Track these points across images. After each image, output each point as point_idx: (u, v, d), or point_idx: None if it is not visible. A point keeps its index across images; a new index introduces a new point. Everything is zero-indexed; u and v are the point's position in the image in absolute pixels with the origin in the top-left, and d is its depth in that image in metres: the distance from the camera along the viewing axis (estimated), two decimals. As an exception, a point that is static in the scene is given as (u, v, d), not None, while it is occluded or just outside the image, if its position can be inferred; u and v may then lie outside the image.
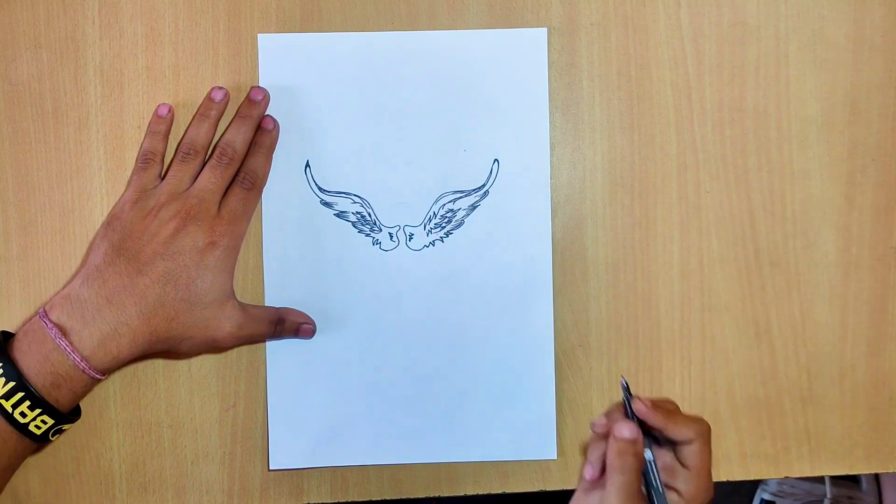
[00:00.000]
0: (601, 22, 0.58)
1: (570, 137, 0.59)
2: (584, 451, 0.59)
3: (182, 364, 0.58)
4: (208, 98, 0.56)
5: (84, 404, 0.57)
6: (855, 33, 0.59)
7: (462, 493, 0.59)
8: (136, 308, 0.50)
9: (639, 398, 0.47)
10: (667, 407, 0.48)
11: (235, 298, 0.54)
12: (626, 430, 0.44)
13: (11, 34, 0.57)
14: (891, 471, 0.60)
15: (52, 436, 0.51)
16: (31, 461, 0.57)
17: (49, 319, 0.50)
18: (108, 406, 0.58)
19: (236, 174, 0.55)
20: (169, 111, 0.57)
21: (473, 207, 0.58)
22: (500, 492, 0.59)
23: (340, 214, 0.58)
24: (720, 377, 0.59)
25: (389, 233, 0.58)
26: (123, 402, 0.58)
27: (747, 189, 0.59)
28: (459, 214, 0.58)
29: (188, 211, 0.52)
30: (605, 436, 0.46)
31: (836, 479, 1.15)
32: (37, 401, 0.48)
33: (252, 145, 0.56)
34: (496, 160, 0.58)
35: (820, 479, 1.15)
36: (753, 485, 1.19)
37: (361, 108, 0.57)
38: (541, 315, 0.58)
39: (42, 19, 0.57)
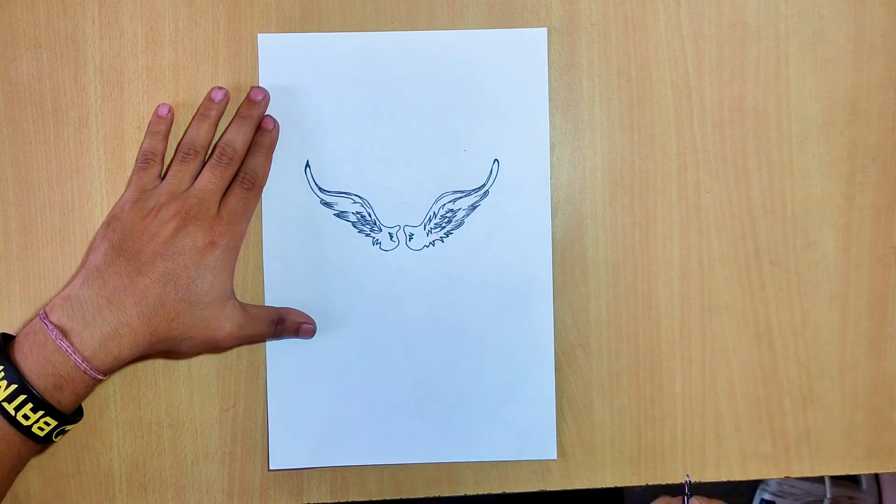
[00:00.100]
0: (601, 22, 0.58)
1: (570, 137, 0.59)
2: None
3: (182, 364, 0.58)
4: (208, 98, 0.56)
5: (84, 405, 0.57)
6: (855, 33, 0.59)
7: (462, 493, 0.59)
8: (137, 308, 0.50)
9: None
10: None
11: (235, 298, 0.54)
12: None
13: (11, 34, 0.57)
14: (891, 471, 0.60)
15: (56, 437, 0.51)
16: (32, 461, 0.57)
17: (49, 321, 0.50)
18: (108, 406, 0.58)
19: (236, 174, 0.55)
20: (169, 111, 0.57)
21: (473, 207, 0.58)
22: (500, 492, 0.59)
23: (340, 214, 0.58)
24: (720, 377, 0.59)
25: (389, 233, 0.58)
26: (123, 402, 0.58)
27: (747, 189, 0.59)
28: (459, 214, 0.58)
29: (188, 211, 0.52)
30: None
31: (836, 479, 1.15)
32: (39, 403, 0.48)
33: (252, 145, 0.56)
34: (496, 160, 0.58)
35: (820, 479, 1.15)
36: (753, 485, 1.19)
37: (361, 108, 0.57)
38: (541, 315, 0.58)
39: (42, 19, 0.57)
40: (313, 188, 0.57)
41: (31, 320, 0.52)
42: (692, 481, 0.49)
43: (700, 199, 0.59)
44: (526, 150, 0.58)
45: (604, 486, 0.59)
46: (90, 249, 0.56)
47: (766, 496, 1.17)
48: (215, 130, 0.56)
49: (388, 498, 0.59)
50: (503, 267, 0.58)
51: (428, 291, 0.58)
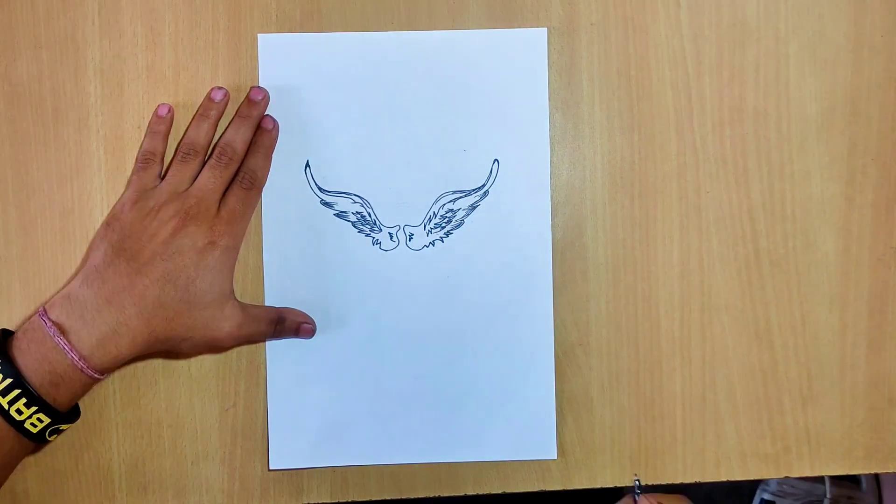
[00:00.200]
0: (601, 22, 0.58)
1: (570, 137, 0.59)
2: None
3: (182, 364, 0.58)
4: (208, 98, 0.56)
5: (84, 404, 0.57)
6: (855, 33, 0.59)
7: (462, 493, 0.59)
8: (136, 308, 0.50)
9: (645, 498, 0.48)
10: None
11: (235, 298, 0.54)
12: None
13: (11, 34, 0.57)
14: (891, 471, 0.60)
15: (50, 436, 0.51)
16: (31, 461, 0.57)
17: (48, 318, 0.50)
18: (107, 406, 0.58)
19: (236, 174, 0.55)
20: (169, 111, 0.57)
21: (473, 207, 0.58)
22: (500, 492, 0.59)
23: (340, 214, 0.58)
24: (720, 377, 0.59)
25: (389, 233, 0.58)
26: (123, 402, 0.58)
27: (747, 189, 0.59)
28: (459, 214, 0.58)
29: (188, 211, 0.52)
30: None
31: (836, 479, 1.15)
32: (33, 399, 0.48)
33: (252, 145, 0.56)
34: (496, 160, 0.58)
35: (820, 479, 1.15)
36: (753, 485, 1.19)
37: (361, 108, 0.57)
38: (541, 315, 0.58)
39: (42, 19, 0.57)
40: (313, 188, 0.57)
41: (30, 317, 0.52)
42: (640, 483, 0.49)
43: (700, 200, 0.59)
44: (526, 150, 0.58)
45: (604, 486, 0.59)
46: (90, 249, 0.56)
47: (766, 496, 1.17)
48: (215, 130, 0.56)
49: (388, 498, 0.59)
50: (503, 267, 0.58)
51: (428, 291, 0.58)
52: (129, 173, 0.57)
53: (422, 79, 0.58)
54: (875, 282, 0.59)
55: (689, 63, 0.58)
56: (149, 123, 0.57)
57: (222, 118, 0.57)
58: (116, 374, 0.57)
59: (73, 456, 0.58)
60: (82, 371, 0.49)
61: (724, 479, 0.59)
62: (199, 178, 0.54)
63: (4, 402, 0.48)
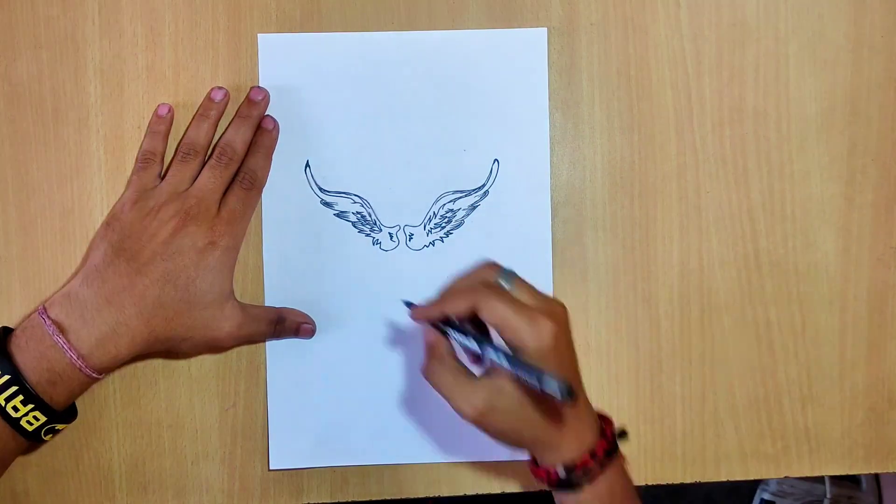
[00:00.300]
0: (601, 22, 0.58)
1: (570, 137, 0.59)
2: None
3: (182, 364, 0.58)
4: (208, 98, 0.56)
5: (84, 404, 0.57)
6: (855, 33, 0.59)
7: (462, 493, 0.59)
8: (136, 308, 0.50)
9: (415, 308, 0.50)
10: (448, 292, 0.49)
11: (235, 298, 0.54)
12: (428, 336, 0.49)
13: (11, 34, 0.57)
14: (891, 471, 0.60)
15: (46, 435, 0.50)
16: (31, 461, 0.57)
17: (48, 316, 0.50)
18: (107, 406, 0.58)
19: (236, 174, 0.55)
20: (169, 111, 0.57)
21: (473, 207, 0.58)
22: (499, 492, 0.59)
23: (340, 214, 0.58)
24: (720, 377, 0.59)
25: (389, 233, 0.58)
26: (123, 402, 0.58)
27: (747, 189, 0.59)
28: (459, 214, 0.58)
29: (188, 211, 0.52)
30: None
31: (836, 479, 1.15)
32: (30, 396, 0.48)
33: (252, 145, 0.56)
34: (496, 160, 0.58)
35: (820, 479, 1.15)
36: (753, 485, 1.19)
37: (361, 108, 0.57)
38: (541, 315, 0.58)
39: (42, 19, 0.57)
40: (313, 188, 0.57)
41: (30, 315, 0.52)
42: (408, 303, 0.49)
43: (700, 200, 0.59)
44: (526, 150, 0.58)
45: (604, 486, 0.59)
46: (90, 249, 0.56)
47: (766, 496, 1.17)
48: (215, 130, 0.56)
49: (388, 498, 0.59)
50: (503, 267, 0.58)
51: (428, 291, 0.58)
52: (129, 173, 0.57)
53: (422, 79, 0.58)
54: (875, 282, 0.59)
55: (689, 63, 0.58)
56: (149, 123, 0.57)
57: (222, 118, 0.57)
58: (116, 374, 0.57)
59: (73, 456, 0.58)
60: (81, 370, 0.49)
61: (724, 479, 0.59)
62: (199, 178, 0.54)
63: (1, 398, 0.48)
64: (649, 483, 0.59)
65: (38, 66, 0.57)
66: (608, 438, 0.49)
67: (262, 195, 0.57)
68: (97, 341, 0.50)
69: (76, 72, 0.57)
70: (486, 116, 0.58)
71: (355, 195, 0.57)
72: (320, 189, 0.58)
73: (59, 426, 0.51)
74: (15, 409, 0.48)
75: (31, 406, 0.49)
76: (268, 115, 0.57)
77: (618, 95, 0.58)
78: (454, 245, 0.58)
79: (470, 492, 0.59)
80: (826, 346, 0.59)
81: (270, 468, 0.58)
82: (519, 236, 0.58)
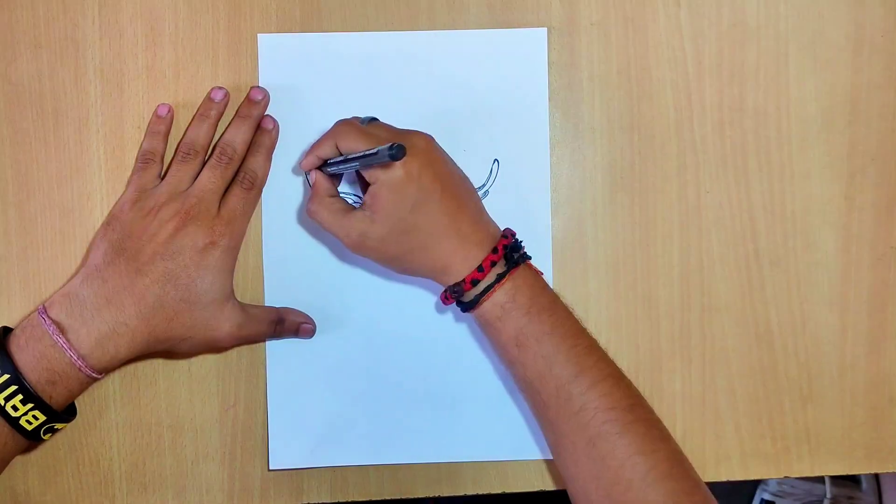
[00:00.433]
0: (601, 22, 0.58)
1: (570, 137, 0.59)
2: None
3: (182, 364, 0.58)
4: (208, 98, 0.56)
5: (84, 404, 0.57)
6: (855, 33, 0.59)
7: (462, 493, 0.59)
8: (136, 308, 0.50)
9: (301, 161, 0.54)
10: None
11: (235, 298, 0.54)
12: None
13: (11, 34, 0.57)
14: (891, 471, 0.60)
15: (45, 434, 0.50)
16: (31, 460, 0.57)
17: (48, 316, 0.50)
18: (107, 406, 0.58)
19: (236, 174, 0.55)
20: (169, 111, 0.57)
21: (473, 207, 0.58)
22: (500, 492, 0.59)
23: (340, 214, 0.58)
24: (720, 377, 0.59)
25: (389, 233, 0.58)
26: (123, 402, 0.58)
27: (747, 189, 0.59)
28: (459, 214, 0.58)
29: (188, 211, 0.52)
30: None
31: (836, 479, 1.15)
32: (30, 395, 0.48)
33: (252, 145, 0.56)
34: (496, 160, 0.58)
35: (820, 479, 1.15)
36: (753, 485, 1.19)
37: (361, 108, 0.57)
38: (541, 315, 0.58)
39: (42, 19, 0.57)
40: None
41: (29, 315, 0.51)
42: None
43: (700, 199, 0.59)
44: (526, 150, 0.58)
45: (604, 486, 0.59)
46: (90, 248, 0.56)
47: (766, 496, 1.17)
48: (215, 130, 0.56)
49: (388, 498, 0.59)
50: (503, 267, 0.58)
51: (428, 292, 0.58)
52: (129, 173, 0.57)
53: (422, 79, 0.58)
54: (875, 282, 0.59)
55: (689, 63, 0.58)
56: (149, 123, 0.57)
57: (222, 118, 0.57)
58: (116, 374, 0.57)
59: (73, 456, 0.58)
60: (80, 370, 0.49)
61: (724, 479, 0.59)
62: (199, 178, 0.54)
63: (0, 397, 0.48)
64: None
65: (38, 66, 0.57)
66: (501, 252, 0.50)
67: (262, 195, 0.57)
68: (97, 341, 0.50)
69: (76, 72, 0.57)
70: (486, 116, 0.58)
71: (355, 195, 0.57)
72: (320, 189, 0.57)
73: (58, 426, 0.51)
74: (14, 408, 0.48)
75: (30, 405, 0.49)
76: (268, 115, 0.57)
77: (618, 95, 0.58)
78: (454, 245, 0.58)
79: (470, 492, 0.59)
80: (826, 346, 0.59)
81: (270, 468, 0.58)
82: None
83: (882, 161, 0.59)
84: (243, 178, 0.55)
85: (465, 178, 0.52)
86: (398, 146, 0.45)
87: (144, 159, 0.56)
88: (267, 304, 0.57)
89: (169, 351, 0.53)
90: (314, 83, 0.57)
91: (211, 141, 0.56)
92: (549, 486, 0.59)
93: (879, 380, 0.59)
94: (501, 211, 0.53)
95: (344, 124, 0.51)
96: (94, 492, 0.58)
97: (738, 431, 0.59)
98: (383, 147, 0.46)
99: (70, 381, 0.50)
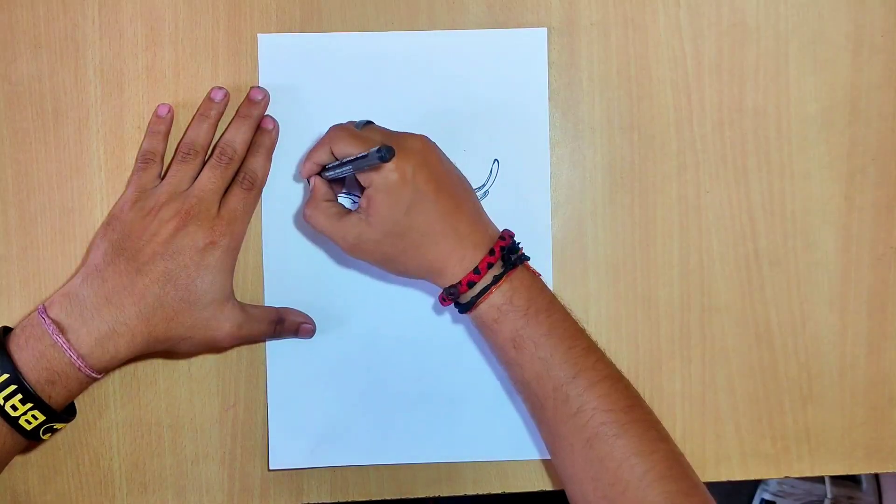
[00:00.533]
0: (601, 22, 0.58)
1: (570, 137, 0.59)
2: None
3: (182, 364, 0.58)
4: (208, 98, 0.56)
5: (83, 404, 0.57)
6: (855, 33, 0.59)
7: (462, 493, 0.59)
8: (136, 308, 0.50)
9: (300, 168, 0.55)
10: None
11: (235, 298, 0.54)
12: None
13: (11, 34, 0.57)
14: (891, 471, 0.60)
15: (44, 434, 0.50)
16: (31, 461, 0.57)
17: (48, 316, 0.50)
18: (107, 406, 0.58)
19: (236, 174, 0.55)
20: (169, 111, 0.57)
21: (473, 207, 0.58)
22: (500, 492, 0.59)
23: (340, 214, 0.58)
24: (720, 377, 0.59)
25: (389, 233, 0.58)
26: (123, 401, 0.58)
27: (747, 189, 0.59)
28: (459, 214, 0.58)
29: (188, 211, 0.52)
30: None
31: (836, 479, 1.15)
32: (29, 395, 0.48)
33: (252, 145, 0.56)
34: (496, 160, 0.58)
35: (820, 479, 1.15)
36: (753, 485, 1.19)
37: (361, 108, 0.57)
38: (541, 315, 0.58)
39: (42, 19, 0.57)
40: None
41: (29, 314, 0.51)
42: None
43: (700, 199, 0.59)
44: (526, 150, 0.58)
45: (604, 486, 0.59)
46: (90, 248, 0.56)
47: (766, 496, 1.17)
48: (215, 130, 0.56)
49: (388, 498, 0.59)
50: (503, 267, 0.58)
51: (428, 292, 0.58)
52: (129, 173, 0.57)
53: (422, 79, 0.58)
54: (875, 282, 0.59)
55: (689, 63, 0.58)
56: (149, 123, 0.57)
57: (222, 118, 0.57)
58: (116, 374, 0.57)
59: (73, 456, 0.58)
60: (80, 370, 0.49)
61: (724, 479, 0.59)
62: (199, 178, 0.54)
63: (0, 397, 0.48)
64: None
65: (38, 66, 0.57)
66: (498, 254, 0.50)
67: (262, 195, 0.57)
68: (97, 341, 0.50)
69: (76, 72, 0.57)
70: (486, 116, 0.58)
71: (355, 195, 0.57)
72: (320, 189, 0.57)
73: (57, 425, 0.51)
74: (14, 407, 0.48)
75: (29, 405, 0.49)
76: (268, 115, 0.57)
77: (618, 95, 0.58)
78: (454, 245, 0.58)
79: (470, 492, 0.59)
80: (826, 346, 0.59)
81: (270, 468, 0.58)
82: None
83: (882, 161, 0.59)
84: (243, 179, 0.55)
85: (463, 179, 0.52)
86: (386, 148, 0.45)
87: (144, 159, 0.56)
88: (267, 304, 0.57)
89: (169, 351, 0.53)
90: (314, 83, 0.57)
91: (211, 141, 0.56)
92: (549, 486, 0.59)
93: (879, 380, 0.59)
94: (501, 211, 0.53)
95: (337, 129, 0.51)
96: (94, 492, 0.58)
97: (738, 431, 0.59)
98: (373, 150, 0.46)
99: (69, 380, 0.50)
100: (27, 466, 0.57)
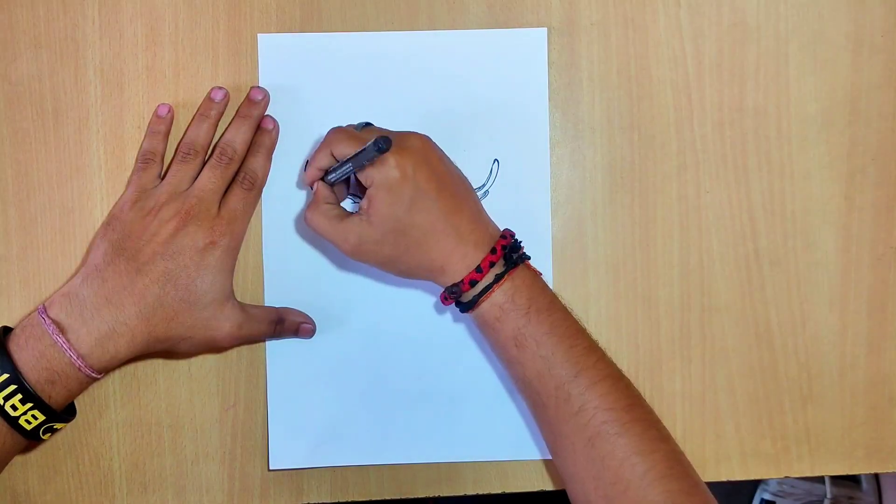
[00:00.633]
0: (601, 22, 0.58)
1: (570, 137, 0.59)
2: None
3: (182, 364, 0.58)
4: (208, 98, 0.56)
5: (83, 404, 0.57)
6: (855, 33, 0.59)
7: (462, 493, 0.59)
8: (136, 308, 0.50)
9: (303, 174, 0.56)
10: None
11: (235, 298, 0.54)
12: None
13: (11, 34, 0.57)
14: (891, 471, 0.60)
15: (44, 434, 0.50)
16: (31, 461, 0.57)
17: (48, 316, 0.50)
18: (107, 406, 0.58)
19: (236, 174, 0.55)
20: (169, 111, 0.57)
21: (473, 207, 0.58)
22: (500, 492, 0.59)
23: (340, 214, 0.58)
24: (720, 377, 0.59)
25: (389, 233, 0.58)
26: (123, 401, 0.58)
27: (747, 189, 0.59)
28: (459, 214, 0.58)
29: (188, 211, 0.52)
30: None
31: (836, 479, 1.15)
32: (29, 395, 0.48)
33: (252, 145, 0.56)
34: (496, 160, 0.58)
35: (820, 479, 1.15)
36: (753, 485, 1.19)
37: (361, 108, 0.57)
38: (541, 315, 0.58)
39: (42, 19, 0.57)
40: (313, 188, 0.57)
41: (29, 314, 0.51)
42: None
43: (700, 199, 0.59)
44: (526, 150, 0.58)
45: (604, 486, 0.59)
46: (90, 248, 0.56)
47: (766, 496, 1.17)
48: (215, 130, 0.56)
49: (388, 498, 0.59)
50: (503, 267, 0.58)
51: (428, 293, 0.58)
52: (129, 173, 0.57)
53: (422, 79, 0.58)
54: (875, 282, 0.59)
55: (689, 63, 0.58)
56: (149, 123, 0.57)
57: (222, 118, 0.57)
58: (116, 374, 0.57)
59: (73, 456, 0.58)
60: (80, 370, 0.49)
61: (724, 479, 0.59)
62: (199, 178, 0.54)
63: (0, 397, 0.48)
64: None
65: (38, 66, 0.57)
66: (500, 253, 0.50)
67: (262, 195, 0.57)
68: (97, 341, 0.50)
69: (76, 72, 0.57)
70: (486, 116, 0.58)
71: (355, 195, 0.57)
72: (320, 189, 0.57)
73: (57, 425, 0.51)
74: (13, 407, 0.48)
75: (29, 405, 0.49)
76: (268, 115, 0.57)
77: (618, 95, 0.58)
78: (454, 245, 0.58)
79: (470, 492, 0.59)
80: (826, 346, 0.59)
81: (270, 468, 0.58)
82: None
83: (882, 161, 0.59)
84: (243, 179, 0.55)
85: (464, 179, 0.52)
86: (384, 138, 0.46)
87: (144, 159, 0.56)
88: (267, 304, 0.57)
89: (169, 351, 0.53)
90: (314, 83, 0.57)
91: (211, 141, 0.56)
92: (549, 486, 0.59)
93: (879, 380, 0.59)
94: (501, 211, 0.53)
95: (336, 131, 0.51)
96: (94, 492, 0.58)
97: (738, 431, 0.59)
98: (370, 143, 0.46)
99: (69, 380, 0.50)
100: (27, 466, 0.57)
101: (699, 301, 0.59)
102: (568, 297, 0.58)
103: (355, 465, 0.58)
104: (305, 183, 0.53)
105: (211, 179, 0.54)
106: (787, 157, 0.59)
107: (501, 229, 0.52)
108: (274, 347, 0.58)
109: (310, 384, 0.58)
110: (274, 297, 0.57)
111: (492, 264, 0.49)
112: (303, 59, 0.57)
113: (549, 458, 0.58)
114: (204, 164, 0.55)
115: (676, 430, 0.59)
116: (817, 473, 0.60)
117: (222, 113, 0.57)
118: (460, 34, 0.58)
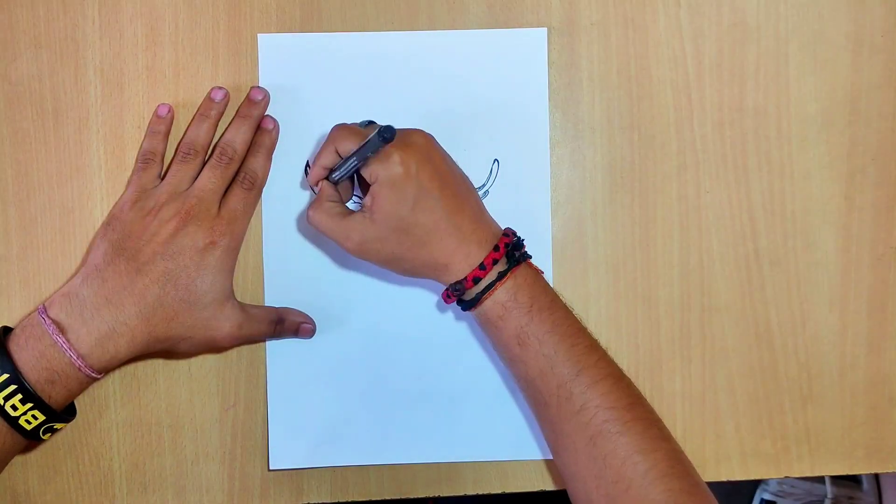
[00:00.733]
0: (601, 22, 0.58)
1: (570, 137, 0.59)
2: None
3: (182, 364, 0.58)
4: (208, 98, 0.56)
5: (83, 404, 0.57)
6: (855, 33, 0.59)
7: (462, 493, 0.59)
8: (136, 308, 0.50)
9: (308, 173, 0.55)
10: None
11: (235, 298, 0.54)
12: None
13: (11, 34, 0.57)
14: (891, 471, 0.60)
15: (44, 434, 0.50)
16: (31, 461, 0.57)
17: (48, 316, 0.50)
18: (107, 406, 0.58)
19: (236, 174, 0.55)
20: (169, 111, 0.57)
21: (473, 207, 0.58)
22: (500, 492, 0.59)
23: (340, 214, 0.58)
24: (720, 377, 0.59)
25: (389, 233, 0.58)
26: (123, 401, 0.58)
27: (747, 189, 0.59)
28: (459, 214, 0.58)
29: (188, 211, 0.52)
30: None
31: (836, 479, 1.15)
32: (29, 395, 0.48)
33: (252, 145, 0.56)
34: (496, 160, 0.58)
35: (820, 479, 1.15)
36: (753, 485, 1.19)
37: (361, 108, 0.57)
38: (541, 315, 0.58)
39: (42, 19, 0.57)
40: (313, 188, 0.57)
41: (29, 314, 0.51)
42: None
43: (700, 199, 0.59)
44: (526, 149, 0.58)
45: (604, 486, 0.59)
46: (90, 248, 0.56)
47: (766, 496, 1.17)
48: (215, 130, 0.56)
49: (388, 498, 0.59)
50: (503, 267, 0.58)
51: (428, 293, 0.58)
52: (129, 173, 0.57)
53: (422, 79, 0.58)
54: (875, 282, 0.59)
55: (689, 63, 0.58)
56: (149, 123, 0.57)
57: (223, 118, 0.57)
58: (116, 374, 0.57)
59: (73, 456, 0.58)
60: (80, 370, 0.49)
61: (724, 479, 0.59)
62: (199, 178, 0.54)
63: (0, 397, 0.48)
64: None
65: (38, 66, 0.57)
66: (503, 250, 0.50)
67: (262, 195, 0.57)
68: (97, 341, 0.50)
69: (76, 72, 0.57)
70: (486, 116, 0.58)
71: (355, 195, 0.57)
72: (320, 189, 0.57)
73: (57, 425, 0.51)
74: (14, 407, 0.48)
75: (29, 405, 0.49)
76: (268, 115, 0.57)
77: (618, 95, 0.58)
78: (454, 245, 0.58)
79: (470, 492, 0.59)
80: (826, 346, 0.59)
81: (270, 468, 0.58)
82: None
83: (882, 161, 0.59)
84: (243, 179, 0.55)
85: (465, 177, 0.52)
86: (387, 127, 0.45)
87: (144, 159, 0.56)
88: (267, 304, 0.57)
89: (169, 351, 0.53)
90: (314, 83, 0.57)
91: (211, 141, 0.56)
92: (549, 486, 0.59)
93: (879, 380, 0.59)
94: (501, 211, 0.53)
95: (340, 128, 0.51)
96: (94, 492, 0.58)
97: (738, 431, 0.59)
98: (373, 134, 0.46)
99: (69, 380, 0.50)
100: (27, 466, 0.57)
101: (699, 301, 0.59)
102: (568, 297, 0.58)
103: (355, 465, 0.58)
104: (310, 183, 0.53)
105: (211, 179, 0.54)
106: (787, 157, 0.59)
107: (503, 228, 0.52)
108: (274, 347, 0.58)
109: (310, 384, 0.58)
110: (274, 297, 0.57)
111: (495, 262, 0.49)
112: (303, 59, 0.57)
113: (550, 457, 0.58)
114: (204, 164, 0.55)
115: (676, 429, 0.59)
116: (817, 473, 0.60)
117: (222, 113, 0.57)
118: (460, 34, 0.58)
